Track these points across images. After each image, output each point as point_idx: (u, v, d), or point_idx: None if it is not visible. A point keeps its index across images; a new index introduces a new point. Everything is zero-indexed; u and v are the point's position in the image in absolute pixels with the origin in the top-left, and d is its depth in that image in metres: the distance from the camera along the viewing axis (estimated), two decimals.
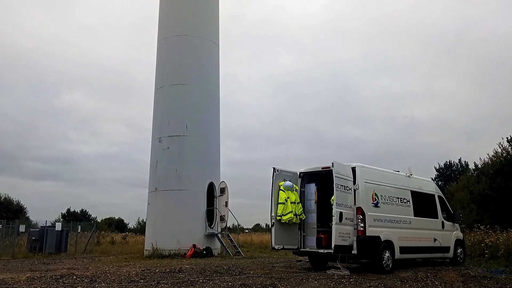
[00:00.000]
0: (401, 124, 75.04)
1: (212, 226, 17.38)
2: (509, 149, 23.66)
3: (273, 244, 10.12)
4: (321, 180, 10.39)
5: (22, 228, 20.29)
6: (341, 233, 9.01)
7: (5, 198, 39.91)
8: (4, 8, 71.72)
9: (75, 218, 37.14)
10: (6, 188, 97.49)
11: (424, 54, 75.18)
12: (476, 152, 73.42)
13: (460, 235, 12.79)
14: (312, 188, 10.62)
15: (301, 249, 10.49)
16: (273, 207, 10.14)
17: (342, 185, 9.29)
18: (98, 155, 77.61)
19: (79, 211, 45.06)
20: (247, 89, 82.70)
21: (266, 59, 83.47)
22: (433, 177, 35.96)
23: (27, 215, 39.93)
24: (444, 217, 12.17)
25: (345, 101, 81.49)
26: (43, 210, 70.64)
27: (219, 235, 17.49)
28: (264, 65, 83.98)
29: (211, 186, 17.66)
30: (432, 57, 75.68)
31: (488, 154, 26.91)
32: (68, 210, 45.00)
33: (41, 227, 20.33)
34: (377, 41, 77.13)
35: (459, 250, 12.37)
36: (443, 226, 11.97)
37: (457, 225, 12.74)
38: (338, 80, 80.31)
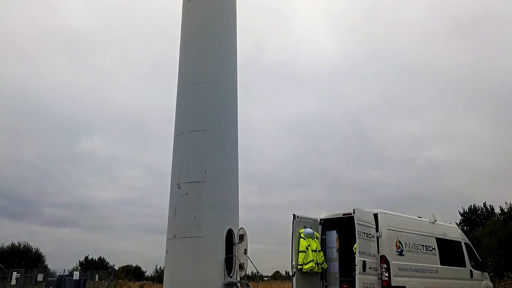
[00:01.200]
0: (422, 166, 73.94)
1: (231, 275, 16.97)
2: None
3: None
4: (343, 227, 10.16)
5: (40, 277, 20.22)
6: (365, 283, 8.69)
7: (24, 246, 40.10)
8: (25, 56, 75.09)
9: (92, 266, 36.91)
10: (25, 235, 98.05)
11: (442, 94, 75.10)
12: (502, 195, 71.41)
13: (490, 285, 12.20)
14: (333, 235, 10.37)
15: None
16: (293, 256, 9.90)
17: (364, 233, 9.06)
18: (115, 201, 78.05)
19: (96, 259, 44.82)
20: (264, 132, 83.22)
21: (282, 101, 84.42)
22: (458, 222, 34.90)
23: (45, 263, 39.89)
24: (472, 266, 11.67)
25: (363, 143, 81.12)
26: (62, 257, 70.53)
27: (238, 284, 17.05)
28: (280, 107, 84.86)
29: (229, 233, 17.40)
30: (450, 97, 75.55)
31: None
32: (86, 257, 44.84)
33: (58, 276, 20.22)
34: (393, 82, 77.73)
35: None
36: (471, 275, 11.46)
37: (486, 274, 12.19)
38: (355, 122, 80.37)
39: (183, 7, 15.89)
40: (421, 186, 72.01)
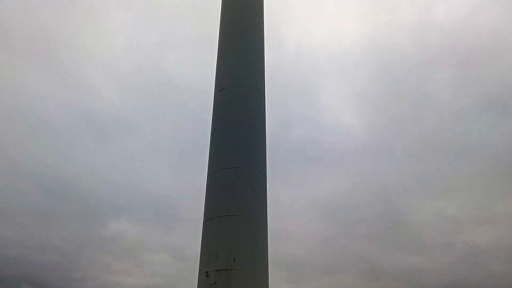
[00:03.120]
0: (462, 251, 69.69)
1: None
2: None
3: None
4: None
5: None
6: None
7: None
8: (55, 140, 78.36)
9: None
10: None
11: (478, 174, 72.65)
12: None
13: None
14: None
15: None
16: None
17: None
18: (141, 287, 76.06)
19: None
20: (293, 214, 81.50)
21: (311, 181, 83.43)
22: None
23: None
24: None
25: (397, 225, 77.93)
26: None
27: None
28: (309, 187, 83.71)
29: None
30: (487, 177, 73.02)
31: None
32: None
33: None
34: (424, 161, 76.33)
35: None
36: None
37: None
38: (387, 202, 77.87)
39: (214, 96, 16.49)
40: (463, 272, 67.31)
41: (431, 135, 76.28)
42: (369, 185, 79.74)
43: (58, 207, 74.65)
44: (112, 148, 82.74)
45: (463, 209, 72.70)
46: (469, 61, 59.23)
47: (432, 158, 77.33)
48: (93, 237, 76.69)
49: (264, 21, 17.11)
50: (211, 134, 18.62)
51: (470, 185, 73.79)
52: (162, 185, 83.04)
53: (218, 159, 18.94)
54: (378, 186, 78.64)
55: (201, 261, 17.68)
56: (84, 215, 77.83)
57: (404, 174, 77.64)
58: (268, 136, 17.36)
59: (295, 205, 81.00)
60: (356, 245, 76.42)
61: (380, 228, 78.42)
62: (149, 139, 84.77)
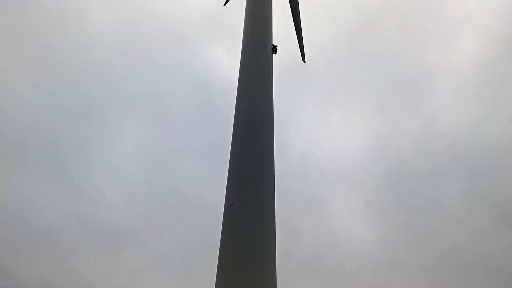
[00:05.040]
0: None
1: None
2: None
3: None
4: None
5: None
6: None
7: None
8: (54, 252, 75.68)
9: None
10: None
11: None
12: None
13: None
14: None
15: None
16: None
17: None
18: None
19: None
20: None
21: None
22: None
23: None
24: None
25: None
26: None
27: None
28: None
29: None
30: None
31: None
32: None
33: None
34: (440, 278, 72.16)
35: None
36: None
37: None
38: None
39: (224, 212, 15.90)
40: None
41: (446, 250, 73.10)
42: None
43: None
44: (111, 260, 79.74)
45: None
46: (478, 172, 58.77)
47: (449, 275, 73.13)
48: None
49: (274, 129, 16.86)
50: (219, 251, 17.26)
51: None
52: None
53: (226, 278, 17.44)
54: None
55: None
56: None
57: None
58: (278, 252, 16.19)
59: None
60: None
61: None
62: (153, 250, 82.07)
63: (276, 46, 12.31)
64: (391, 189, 77.95)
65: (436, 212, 76.05)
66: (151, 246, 79.15)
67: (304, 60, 15.42)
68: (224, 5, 20.87)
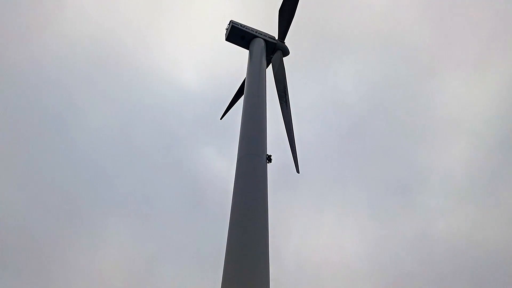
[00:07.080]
0: None
1: None
2: None
3: None
4: None
5: None
6: None
7: None
8: None
9: None
10: None
11: None
12: None
13: None
14: None
15: None
16: None
17: None
18: None
19: None
20: None
21: None
22: None
23: None
24: None
25: None
26: None
27: None
28: None
29: None
30: None
31: None
32: None
33: None
34: None
35: None
36: None
37: None
38: None
39: None
40: None
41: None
42: None
43: None
44: None
45: None
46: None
47: None
48: None
49: (269, 239, 15.92)
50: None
51: None
52: None
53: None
54: None
55: None
56: None
57: None
58: None
59: None
60: None
61: None
62: None
63: (271, 156, 12.82)
64: None
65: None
66: None
67: (298, 171, 15.27)
68: (221, 118, 21.41)
